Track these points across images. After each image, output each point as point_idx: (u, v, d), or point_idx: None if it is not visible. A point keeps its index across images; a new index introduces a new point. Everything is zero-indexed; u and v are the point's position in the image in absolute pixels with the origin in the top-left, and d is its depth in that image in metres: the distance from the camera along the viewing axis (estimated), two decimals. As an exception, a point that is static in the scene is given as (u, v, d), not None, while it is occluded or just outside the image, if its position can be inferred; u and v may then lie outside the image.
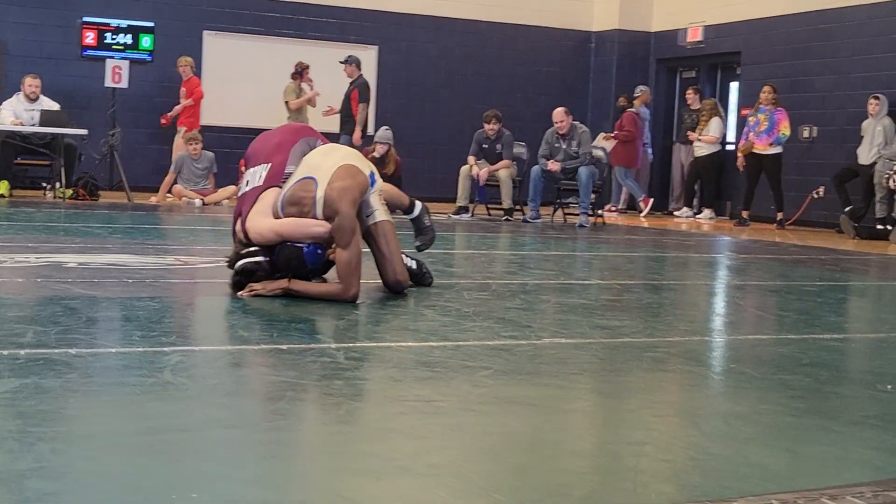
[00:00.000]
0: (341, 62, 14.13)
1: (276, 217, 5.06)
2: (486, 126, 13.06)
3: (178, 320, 4.42)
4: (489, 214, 13.46)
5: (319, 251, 5.00)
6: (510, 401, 3.13)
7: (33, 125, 12.51)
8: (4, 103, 12.73)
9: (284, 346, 3.79)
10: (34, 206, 10.99)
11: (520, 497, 2.25)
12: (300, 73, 14.19)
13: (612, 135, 15.25)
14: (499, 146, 13.07)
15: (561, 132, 12.42)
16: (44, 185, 13.07)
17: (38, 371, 3.17)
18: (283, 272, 4.98)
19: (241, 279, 4.93)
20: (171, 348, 3.66)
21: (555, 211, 13.08)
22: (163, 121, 13.67)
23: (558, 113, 12.46)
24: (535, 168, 12.56)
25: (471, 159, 13.08)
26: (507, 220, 12.67)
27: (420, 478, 2.37)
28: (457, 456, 2.56)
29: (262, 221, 5.03)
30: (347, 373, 3.41)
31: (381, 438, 2.66)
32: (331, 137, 13.69)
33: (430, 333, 4.21)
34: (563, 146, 12.38)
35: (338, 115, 14.17)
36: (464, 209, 12.97)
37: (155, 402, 2.91)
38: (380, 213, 5.42)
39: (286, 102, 14.08)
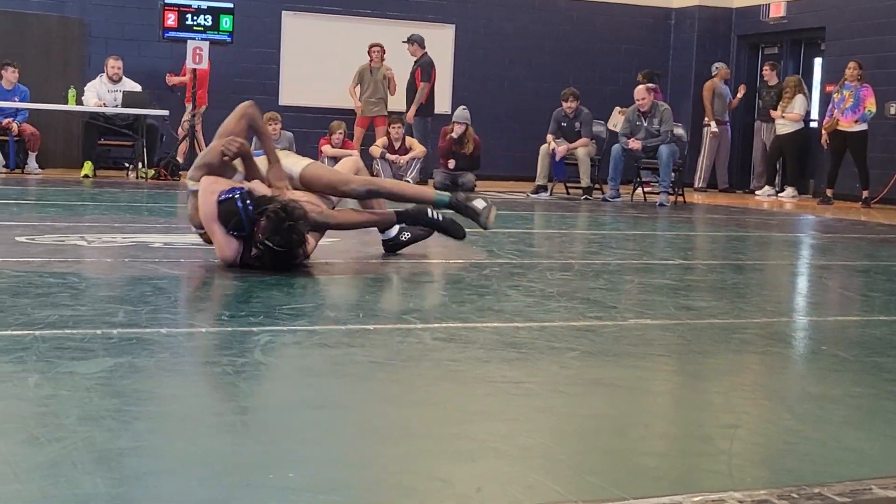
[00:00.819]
0: (404, 42, 14.13)
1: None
2: (564, 104, 12.98)
3: (265, 300, 4.46)
4: (568, 193, 13.37)
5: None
6: (598, 382, 3.11)
7: (116, 106, 12.71)
8: (88, 85, 12.94)
9: (371, 327, 3.81)
10: (118, 186, 11.16)
11: (612, 479, 2.23)
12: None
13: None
14: (577, 124, 12.98)
15: (642, 110, 12.30)
16: (126, 165, 13.27)
17: (132, 350, 3.23)
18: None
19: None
20: (259, 328, 3.69)
21: (634, 189, 12.96)
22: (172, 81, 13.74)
23: (640, 90, 12.34)
24: (616, 146, 12.46)
25: (549, 137, 13.01)
26: (585, 198, 12.59)
27: (512, 459, 2.37)
28: (547, 438, 2.55)
29: None
30: (435, 353, 3.42)
31: (472, 420, 2.66)
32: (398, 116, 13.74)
33: (514, 314, 4.20)
34: (645, 124, 12.26)
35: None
36: (542, 188, 12.90)
37: (247, 381, 2.94)
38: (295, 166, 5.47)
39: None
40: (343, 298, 4.69)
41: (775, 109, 14.62)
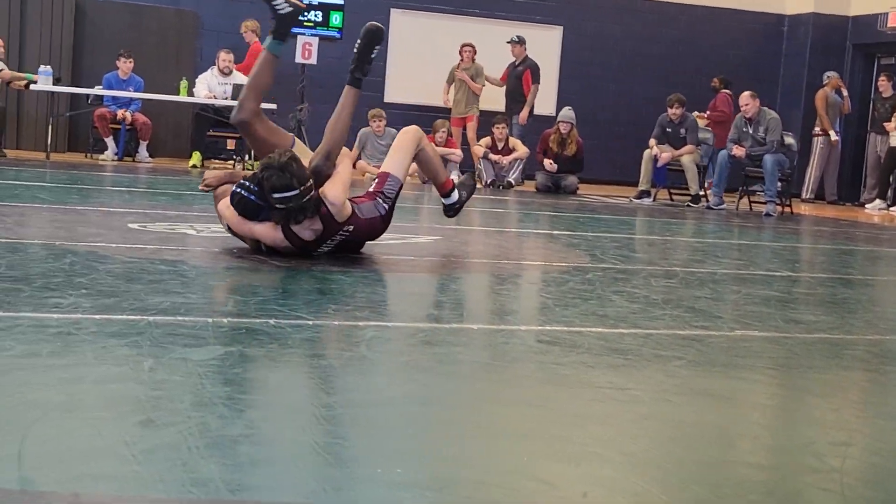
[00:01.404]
0: (508, 42, 14.15)
1: None
2: (670, 110, 12.87)
3: (369, 295, 4.50)
4: (671, 199, 13.25)
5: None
6: (705, 392, 3.08)
7: (225, 99, 12.92)
8: (199, 77, 13.19)
9: (475, 327, 3.82)
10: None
11: (719, 491, 2.21)
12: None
13: (705, 115, 14.68)
14: (683, 130, 12.86)
15: (747, 116, 12.12)
16: (234, 157, 13.49)
17: (242, 340, 3.28)
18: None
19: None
20: (364, 323, 3.73)
21: (740, 198, 12.78)
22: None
23: (744, 97, 12.18)
24: (723, 153, 12.30)
25: (652, 142, 12.91)
26: (689, 205, 12.45)
27: (616, 465, 2.35)
28: (652, 445, 2.53)
29: None
30: (540, 356, 3.42)
31: (576, 424, 2.65)
32: (489, 116, 13.73)
33: (619, 320, 4.17)
34: (750, 131, 12.08)
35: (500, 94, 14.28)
36: (645, 193, 12.80)
37: (353, 375, 2.97)
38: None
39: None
40: (445, 298, 4.70)
41: (889, 122, 14.28)
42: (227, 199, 5.13)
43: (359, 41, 5.41)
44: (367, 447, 2.31)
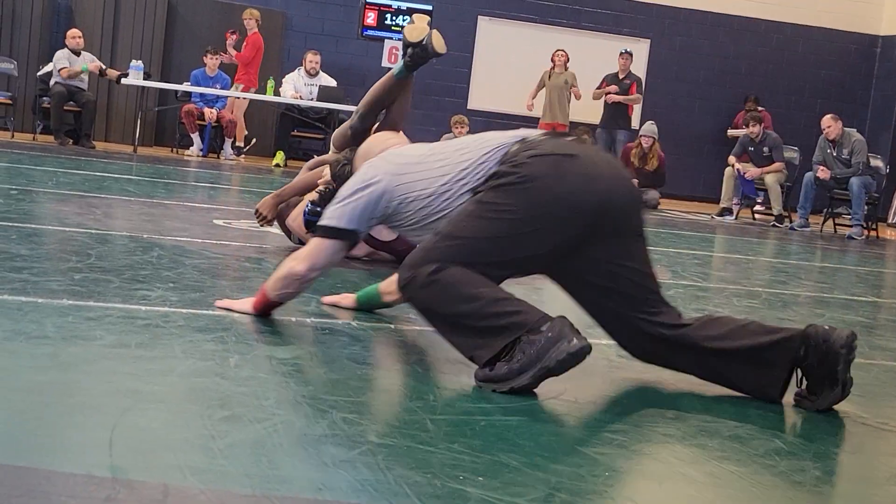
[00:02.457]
0: (622, 52, 14.12)
1: None
2: (748, 129, 12.77)
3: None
4: (754, 219, 13.09)
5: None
6: (788, 415, 3.03)
7: (311, 99, 13.05)
8: (286, 77, 13.33)
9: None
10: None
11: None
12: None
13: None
14: (766, 149, 12.71)
15: (829, 138, 11.95)
16: (315, 157, 13.60)
17: (325, 340, 3.31)
18: None
19: None
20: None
21: (825, 220, 12.58)
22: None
23: (826, 119, 12.03)
24: (808, 174, 12.13)
25: (731, 159, 12.80)
26: (774, 225, 12.29)
27: (700, 486, 2.33)
28: (736, 468, 2.49)
29: None
30: (620, 372, 3.39)
31: (661, 442, 2.63)
32: (591, 129, 13.65)
33: (701, 338, 4.12)
34: (834, 153, 11.91)
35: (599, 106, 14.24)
36: (727, 211, 12.67)
37: (437, 380, 2.97)
38: None
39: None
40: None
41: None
42: (298, 216, 5.13)
43: (418, 50, 5.21)
44: (449, 455, 2.31)
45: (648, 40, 16.12)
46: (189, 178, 9.62)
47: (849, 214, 11.92)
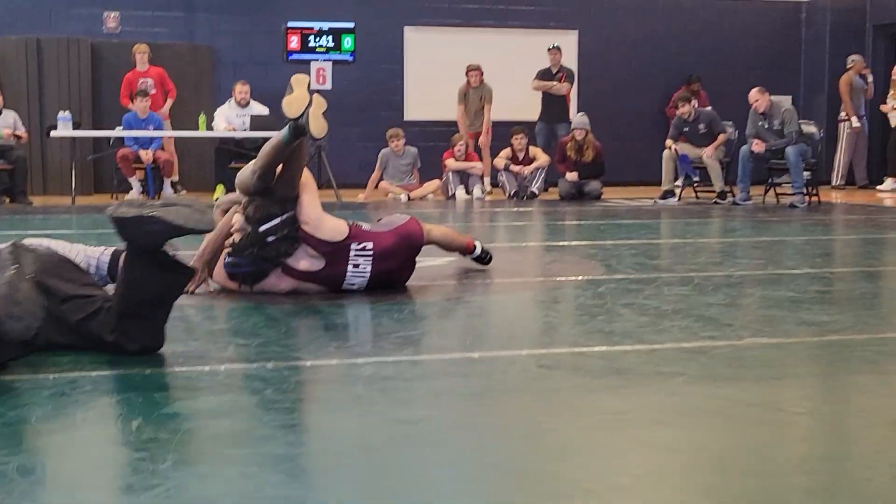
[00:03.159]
0: (549, 48, 14.20)
1: None
2: (679, 110, 12.83)
3: (374, 328, 4.49)
4: (697, 198, 13.13)
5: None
6: (705, 411, 3.02)
7: (244, 130, 12.98)
8: (218, 110, 13.25)
9: (476, 355, 3.78)
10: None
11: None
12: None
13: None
14: (701, 126, 12.75)
15: (759, 111, 12.01)
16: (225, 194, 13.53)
17: (236, 387, 3.27)
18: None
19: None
20: (364, 359, 3.70)
21: (766, 192, 12.65)
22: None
23: (753, 93, 12.08)
24: (744, 148, 12.17)
25: (668, 142, 12.85)
26: (716, 202, 12.33)
27: (604, 501, 2.31)
28: (645, 475, 2.48)
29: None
30: (538, 383, 3.38)
31: (567, 456, 2.61)
32: (508, 126, 13.68)
33: (624, 336, 4.12)
34: (766, 125, 11.97)
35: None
36: (670, 193, 12.68)
37: (342, 417, 2.94)
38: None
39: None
40: (451, 324, 4.67)
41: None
42: (220, 269, 5.15)
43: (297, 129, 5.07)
44: (357, 489, 2.28)
45: (577, 31, 16.15)
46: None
47: (789, 183, 11.98)
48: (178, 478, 2.40)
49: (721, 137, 12.65)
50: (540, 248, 8.02)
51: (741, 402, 3.12)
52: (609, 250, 7.27)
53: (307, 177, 5.24)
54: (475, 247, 5.99)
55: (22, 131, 12.83)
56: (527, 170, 13.35)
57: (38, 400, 3.11)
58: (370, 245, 5.12)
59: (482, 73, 14.03)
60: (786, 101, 13.38)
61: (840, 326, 4.31)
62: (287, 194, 5.08)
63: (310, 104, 5.08)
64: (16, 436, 2.76)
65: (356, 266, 5.09)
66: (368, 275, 5.12)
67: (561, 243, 8.27)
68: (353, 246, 5.08)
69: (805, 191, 11.93)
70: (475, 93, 14.07)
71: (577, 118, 13.49)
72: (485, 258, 6.00)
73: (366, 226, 5.29)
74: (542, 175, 13.43)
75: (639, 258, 6.74)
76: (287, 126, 5.11)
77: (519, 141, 13.46)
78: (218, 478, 2.41)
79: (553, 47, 14.28)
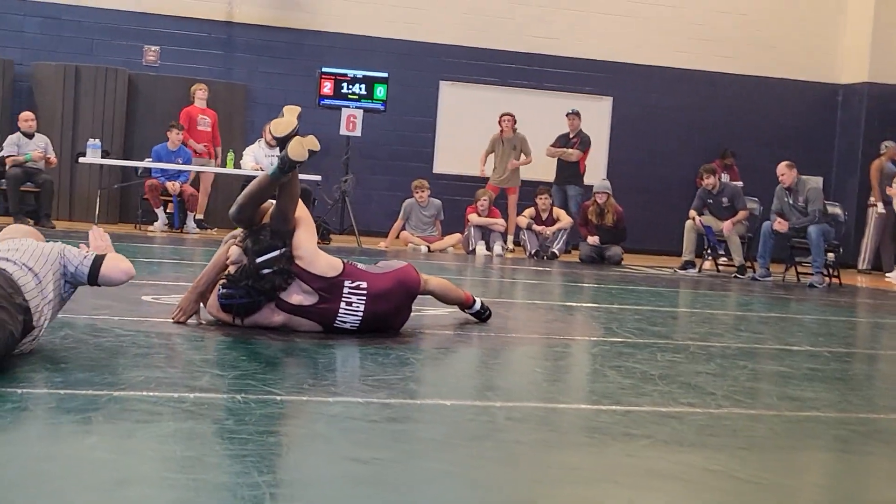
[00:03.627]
0: (568, 114, 14.33)
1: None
2: (704, 181, 12.83)
3: (355, 370, 4.49)
4: (718, 271, 13.08)
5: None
6: (658, 474, 2.99)
7: (273, 170, 13.10)
8: (247, 150, 13.39)
9: (448, 403, 3.77)
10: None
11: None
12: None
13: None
14: (724, 199, 12.75)
15: (784, 185, 11.96)
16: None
17: (199, 415, 3.28)
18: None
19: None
20: (335, 398, 3.71)
21: (786, 269, 12.58)
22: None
23: (781, 167, 12.05)
24: (766, 224, 12.15)
25: (692, 213, 12.84)
26: (736, 276, 12.28)
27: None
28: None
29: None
30: (501, 434, 3.36)
31: (506, 507, 2.60)
32: (534, 185, 13.70)
33: (604, 396, 4.10)
34: (790, 201, 11.93)
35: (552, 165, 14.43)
36: (690, 264, 12.66)
37: (299, 453, 2.95)
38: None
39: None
40: (435, 372, 4.66)
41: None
42: (214, 301, 5.18)
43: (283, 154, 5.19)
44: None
45: (611, 98, 16.23)
46: (138, 254, 9.60)
47: (810, 263, 11.92)
48: (114, 498, 2.40)
49: (741, 214, 12.63)
50: (546, 307, 8.00)
51: (699, 467, 3.09)
52: (614, 314, 7.25)
53: (303, 212, 5.29)
54: (474, 301, 5.99)
55: (52, 156, 13.01)
56: (549, 230, 13.37)
57: (-1, 412, 3.13)
58: (364, 284, 5.14)
59: (515, 121, 14.12)
60: (816, 181, 13.31)
61: (822, 404, 4.27)
62: (280, 228, 5.12)
63: (296, 130, 5.20)
64: (-34, 444, 2.78)
65: (349, 304, 5.11)
66: (361, 314, 5.13)
67: (569, 304, 8.25)
68: (347, 283, 5.10)
69: (826, 272, 11.87)
70: (508, 143, 14.16)
71: (599, 183, 13.55)
72: (483, 314, 5.99)
73: (362, 266, 5.31)
74: (564, 237, 13.45)
75: (641, 324, 6.71)
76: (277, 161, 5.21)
77: (543, 201, 13.51)
78: (153, 500, 2.42)
79: (571, 112, 14.41)
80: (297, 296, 5.09)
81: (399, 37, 15.30)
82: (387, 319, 5.28)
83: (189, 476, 2.63)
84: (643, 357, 5.20)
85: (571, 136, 14.44)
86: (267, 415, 3.39)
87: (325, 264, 5.12)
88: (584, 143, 14.42)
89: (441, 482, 2.78)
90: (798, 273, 12.51)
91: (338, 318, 5.13)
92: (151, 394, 3.52)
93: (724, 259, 13.16)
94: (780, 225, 11.86)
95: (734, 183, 13.31)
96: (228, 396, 3.57)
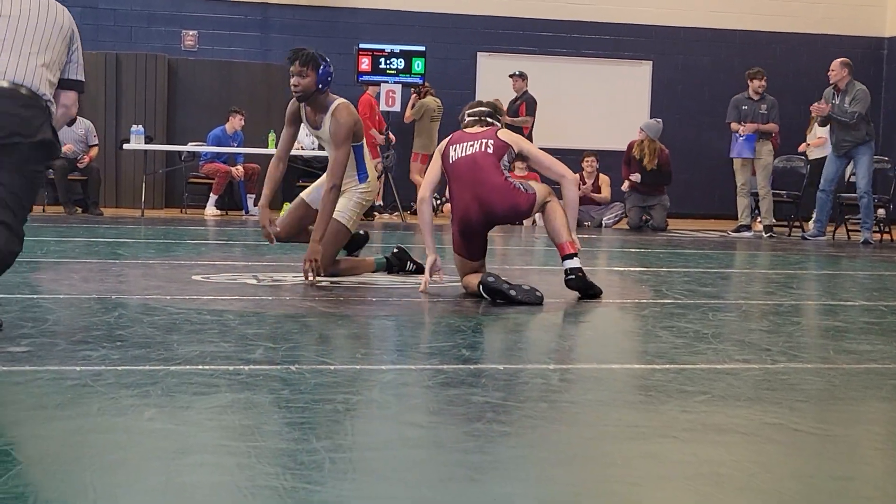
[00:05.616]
0: (510, 76, 13.85)
1: None
2: (754, 83, 12.36)
3: (407, 339, 4.50)
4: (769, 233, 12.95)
5: None
6: (717, 428, 2.97)
7: (313, 149, 13.13)
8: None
9: (501, 367, 3.77)
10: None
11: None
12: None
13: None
14: (764, 107, 12.33)
15: (840, 87, 11.46)
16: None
17: (255, 386, 3.30)
18: None
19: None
20: (388, 366, 3.72)
21: (836, 228, 12.43)
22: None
23: (835, 63, 11.56)
24: (821, 195, 11.71)
25: (733, 125, 12.41)
26: (770, 236, 12.07)
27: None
28: (639, 485, 2.45)
29: None
30: (555, 395, 3.35)
31: (563, 465, 2.59)
32: (599, 154, 13.60)
33: (657, 356, 4.08)
34: (837, 102, 11.48)
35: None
36: (745, 227, 12.43)
37: (353, 420, 2.96)
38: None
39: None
40: (487, 338, 4.65)
41: None
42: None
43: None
44: (348, 491, 2.29)
45: (651, 62, 16.09)
46: (185, 237, 9.67)
47: (859, 220, 11.73)
48: (176, 465, 2.43)
49: (772, 126, 12.21)
50: (594, 273, 7.96)
51: (757, 420, 3.06)
52: (663, 276, 7.21)
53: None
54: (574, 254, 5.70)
55: (94, 142, 13.10)
56: (596, 207, 13.32)
57: (59, 390, 3.17)
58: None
59: (525, 81, 13.70)
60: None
61: (880, 356, 4.22)
62: None
63: None
64: (32, 421, 2.82)
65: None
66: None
67: (617, 269, 8.20)
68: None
69: (878, 228, 11.70)
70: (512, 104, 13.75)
71: (647, 121, 13.35)
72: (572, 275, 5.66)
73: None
74: (617, 218, 13.36)
75: (691, 285, 6.66)
76: None
77: (589, 163, 13.43)
78: (214, 467, 2.44)
79: (516, 74, 13.81)
80: None
81: (435, 10, 15.24)
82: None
83: (248, 444, 2.65)
84: (695, 317, 5.16)
85: (517, 99, 13.89)
86: (321, 384, 3.40)
87: None
88: (529, 106, 13.81)
89: (499, 443, 2.78)
90: (849, 230, 12.35)
91: None
92: (207, 367, 3.54)
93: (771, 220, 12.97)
94: (819, 109, 11.43)
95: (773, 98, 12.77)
96: (282, 367, 3.58)
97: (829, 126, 11.61)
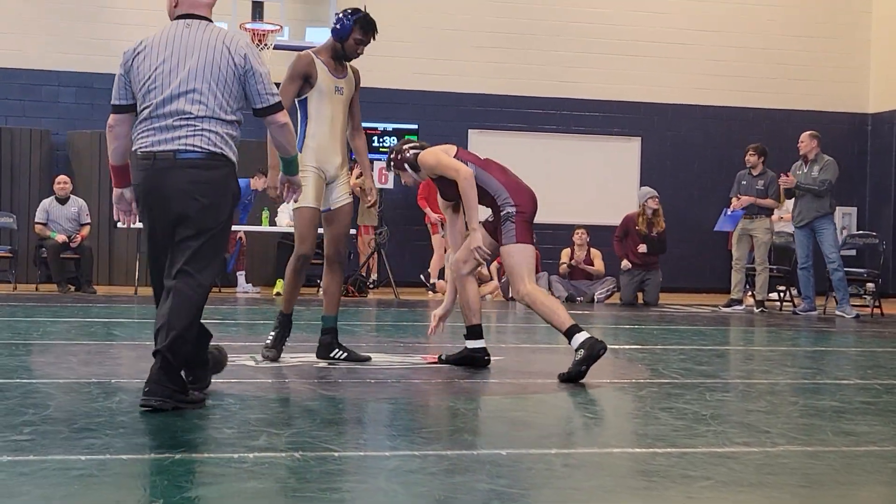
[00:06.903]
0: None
1: None
2: (748, 157, 12.55)
3: (407, 422, 4.51)
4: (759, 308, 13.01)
5: None
6: None
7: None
8: (281, 207, 13.48)
9: (504, 452, 3.78)
10: (304, 304, 11.48)
11: None
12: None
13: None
14: (761, 183, 12.47)
15: (801, 153, 11.72)
16: (318, 282, 13.67)
17: (261, 475, 3.31)
18: None
19: None
20: (392, 452, 3.74)
21: (826, 301, 12.50)
22: None
23: (804, 136, 11.92)
24: (801, 272, 11.86)
25: (734, 200, 12.53)
26: (762, 311, 12.12)
27: None
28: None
29: None
30: (559, 482, 3.37)
31: None
32: (589, 228, 13.66)
33: (657, 439, 4.10)
34: (805, 170, 11.69)
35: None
36: (736, 301, 12.49)
37: (360, 509, 2.97)
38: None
39: None
40: (487, 421, 4.67)
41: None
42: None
43: None
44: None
45: (640, 138, 16.29)
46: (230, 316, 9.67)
47: (861, 294, 11.79)
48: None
49: (770, 201, 12.35)
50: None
51: (761, 507, 3.09)
52: (658, 355, 7.24)
53: None
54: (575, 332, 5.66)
55: (86, 221, 13.15)
56: (588, 282, 13.38)
57: (64, 481, 3.17)
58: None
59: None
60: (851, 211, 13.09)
61: (878, 437, 4.25)
62: None
63: None
64: (37, 513, 2.83)
65: None
66: None
67: (611, 346, 8.22)
68: None
69: (868, 302, 11.77)
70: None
71: (644, 190, 13.46)
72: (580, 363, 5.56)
73: None
74: (608, 293, 13.41)
75: (687, 363, 6.69)
76: None
77: (579, 236, 13.52)
78: (225, 561, 2.45)
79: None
80: None
81: (427, 88, 15.43)
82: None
83: (258, 536, 2.66)
84: (692, 397, 5.19)
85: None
86: (327, 471, 3.41)
87: None
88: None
89: (506, 532, 2.79)
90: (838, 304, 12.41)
91: None
92: (212, 455, 3.56)
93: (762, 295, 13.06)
94: (786, 181, 11.57)
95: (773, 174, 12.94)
96: (287, 455, 3.60)
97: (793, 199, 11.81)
